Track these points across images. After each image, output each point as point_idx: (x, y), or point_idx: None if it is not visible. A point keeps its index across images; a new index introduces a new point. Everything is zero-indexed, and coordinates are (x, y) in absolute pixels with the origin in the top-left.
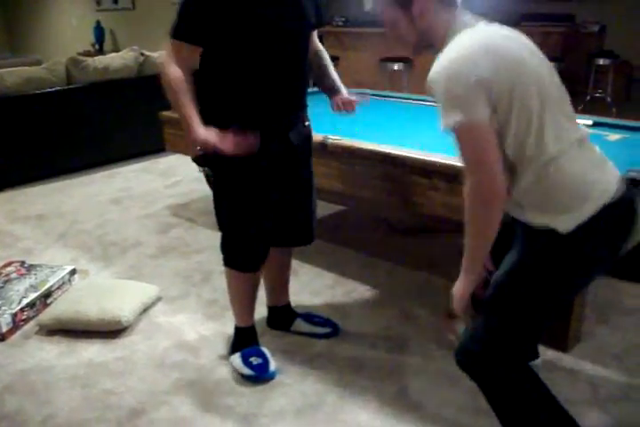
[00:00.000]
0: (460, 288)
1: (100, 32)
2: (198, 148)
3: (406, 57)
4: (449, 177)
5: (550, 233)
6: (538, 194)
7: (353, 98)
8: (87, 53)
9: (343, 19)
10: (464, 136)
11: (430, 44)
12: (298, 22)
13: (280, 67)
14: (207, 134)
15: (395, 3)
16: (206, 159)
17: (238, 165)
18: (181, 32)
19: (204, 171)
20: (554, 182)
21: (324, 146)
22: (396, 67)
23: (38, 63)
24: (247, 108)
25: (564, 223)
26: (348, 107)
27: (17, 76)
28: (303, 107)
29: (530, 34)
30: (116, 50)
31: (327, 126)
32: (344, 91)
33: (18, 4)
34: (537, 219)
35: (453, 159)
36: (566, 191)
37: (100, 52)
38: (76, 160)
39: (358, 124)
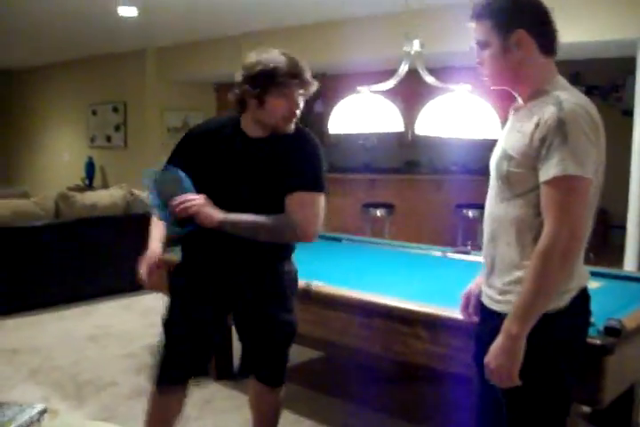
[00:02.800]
0: (505, 356)
1: (91, 168)
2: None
3: (389, 203)
4: (430, 325)
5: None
6: None
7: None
8: (76, 188)
9: (328, 165)
10: (571, 187)
11: (513, 82)
12: (242, 184)
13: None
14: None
15: (495, 25)
16: None
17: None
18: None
19: None
20: None
21: (306, 292)
22: (378, 213)
23: (26, 195)
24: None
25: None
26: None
27: (5, 208)
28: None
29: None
30: (106, 186)
31: (310, 272)
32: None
33: (13, 134)
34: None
35: (434, 308)
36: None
37: (90, 187)
38: (58, 294)
39: (341, 270)
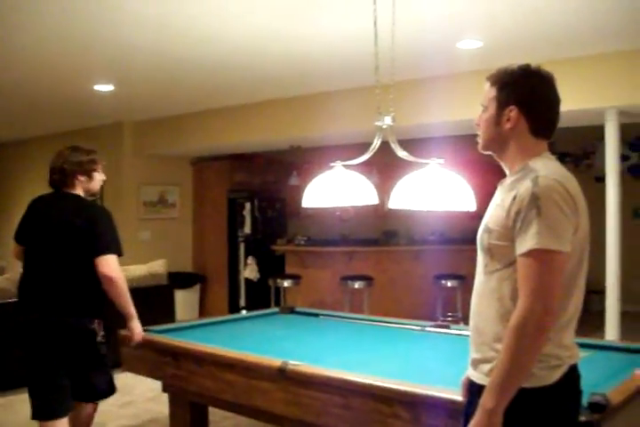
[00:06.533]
0: None
1: None
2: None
3: (367, 275)
4: (410, 404)
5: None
6: None
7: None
8: None
9: (305, 238)
10: (545, 262)
11: (499, 152)
12: (51, 246)
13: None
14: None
15: (496, 96)
16: None
17: None
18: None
19: None
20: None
21: (282, 371)
22: (356, 285)
23: (0, 271)
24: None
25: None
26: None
27: None
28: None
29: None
30: None
31: (287, 349)
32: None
33: None
34: None
35: (413, 386)
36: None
37: None
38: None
39: (318, 347)
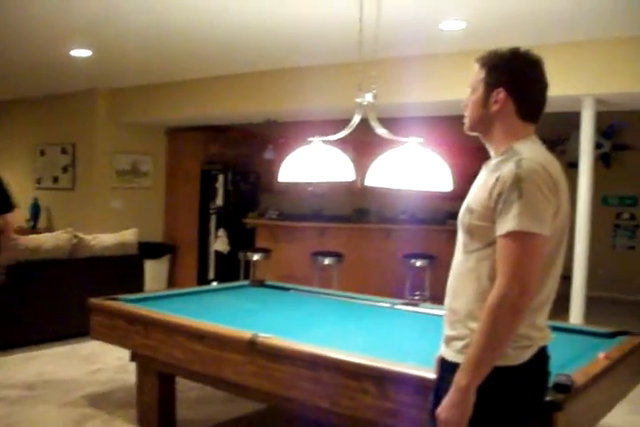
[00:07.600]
0: (454, 409)
1: (36, 209)
2: None
3: (338, 252)
4: (378, 380)
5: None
6: None
7: None
8: (20, 230)
9: (277, 212)
10: (524, 244)
11: (485, 134)
12: None
13: None
14: None
15: (485, 78)
16: None
17: None
18: None
19: None
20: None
21: (252, 343)
22: (326, 261)
23: None
24: None
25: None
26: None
27: None
28: None
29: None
30: (51, 228)
31: (257, 322)
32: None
33: None
34: None
35: (382, 362)
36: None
37: (34, 229)
38: None
39: (289, 321)
